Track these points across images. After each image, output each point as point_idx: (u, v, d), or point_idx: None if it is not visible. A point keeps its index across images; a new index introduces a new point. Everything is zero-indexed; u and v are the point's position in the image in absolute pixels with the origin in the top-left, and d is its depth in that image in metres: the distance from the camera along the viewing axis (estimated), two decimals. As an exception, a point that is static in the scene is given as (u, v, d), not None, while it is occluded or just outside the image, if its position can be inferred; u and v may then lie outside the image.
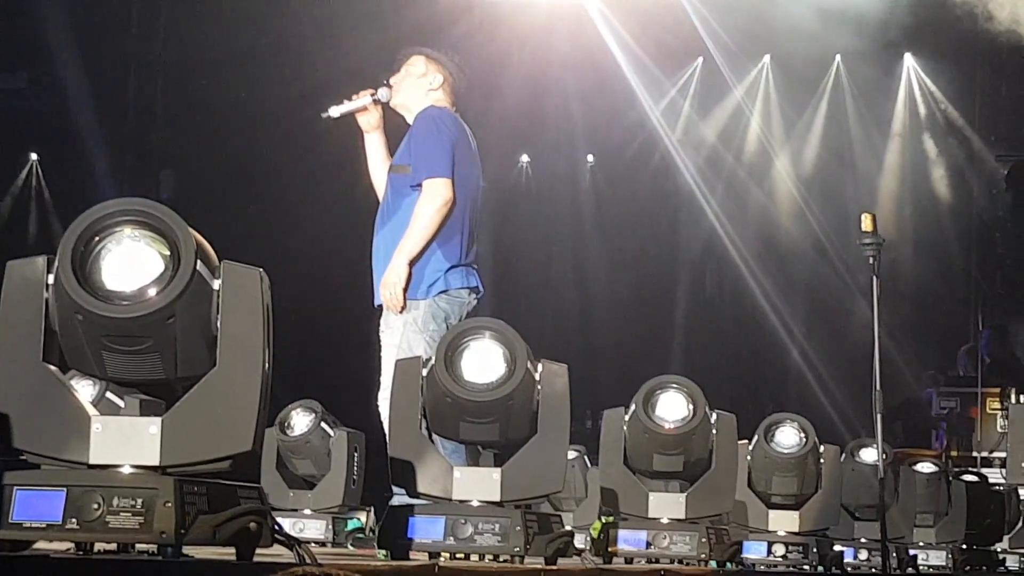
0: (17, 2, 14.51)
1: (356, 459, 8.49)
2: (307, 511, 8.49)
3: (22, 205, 16.21)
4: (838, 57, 16.46)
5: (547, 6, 14.98)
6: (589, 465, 9.70)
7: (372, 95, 6.76)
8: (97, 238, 3.74)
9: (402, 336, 6.31)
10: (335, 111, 6.71)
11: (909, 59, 16.50)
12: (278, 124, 15.15)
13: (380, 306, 6.51)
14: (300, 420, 8.62)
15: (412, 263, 6.37)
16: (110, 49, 14.94)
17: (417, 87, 6.79)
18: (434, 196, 6.41)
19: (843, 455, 8.91)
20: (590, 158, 17.71)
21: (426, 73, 6.81)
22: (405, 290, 6.34)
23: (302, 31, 14.53)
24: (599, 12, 15.41)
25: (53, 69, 14.80)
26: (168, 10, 15.05)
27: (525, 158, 17.47)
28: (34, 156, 16.30)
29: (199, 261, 3.72)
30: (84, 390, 5.99)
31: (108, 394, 6.48)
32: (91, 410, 3.81)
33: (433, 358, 5.20)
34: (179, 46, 15.12)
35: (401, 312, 6.35)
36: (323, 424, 8.57)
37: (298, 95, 14.95)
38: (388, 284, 6.35)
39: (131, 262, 3.73)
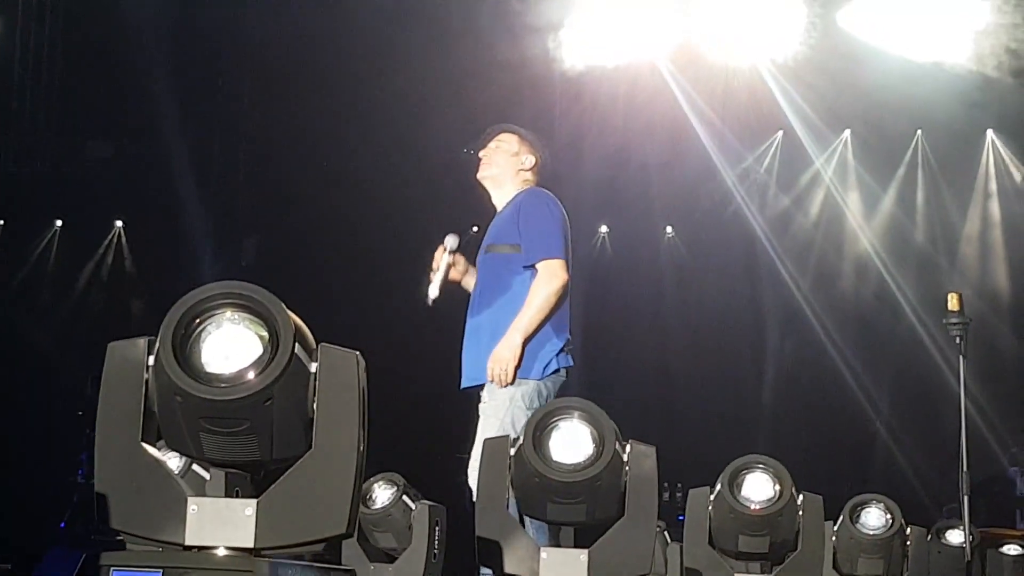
0: (108, 70, 14.71)
1: (437, 533, 8.47)
2: (388, 584, 8.47)
3: (105, 273, 16.39)
4: (919, 132, 16.40)
5: (627, 77, 14.99)
6: (669, 540, 9.64)
7: (444, 249, 6.79)
8: (198, 320, 3.78)
9: (507, 411, 6.33)
10: (433, 291, 6.72)
11: (991, 135, 16.40)
12: (360, 193, 15.28)
13: (474, 386, 6.56)
14: (382, 493, 8.61)
15: (526, 342, 6.41)
16: (195, 118, 15.10)
17: (509, 165, 6.85)
18: (551, 277, 6.48)
19: (929, 536, 8.82)
20: (669, 229, 17.68)
21: (519, 152, 6.88)
22: (517, 367, 6.37)
23: (385, 101, 14.64)
24: (678, 84, 15.40)
25: (139, 138, 14.99)
26: (252, 80, 15.21)
27: (604, 229, 17.46)
28: (119, 223, 16.51)
29: (297, 344, 3.75)
30: (171, 462, 6.04)
31: (195, 467, 6.53)
32: (187, 491, 3.84)
33: (522, 437, 5.20)
34: (263, 116, 15.27)
35: (505, 387, 6.37)
36: (405, 497, 8.55)
37: (383, 165, 15.11)
38: (501, 359, 6.36)
39: (230, 345, 3.77)
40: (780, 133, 16.61)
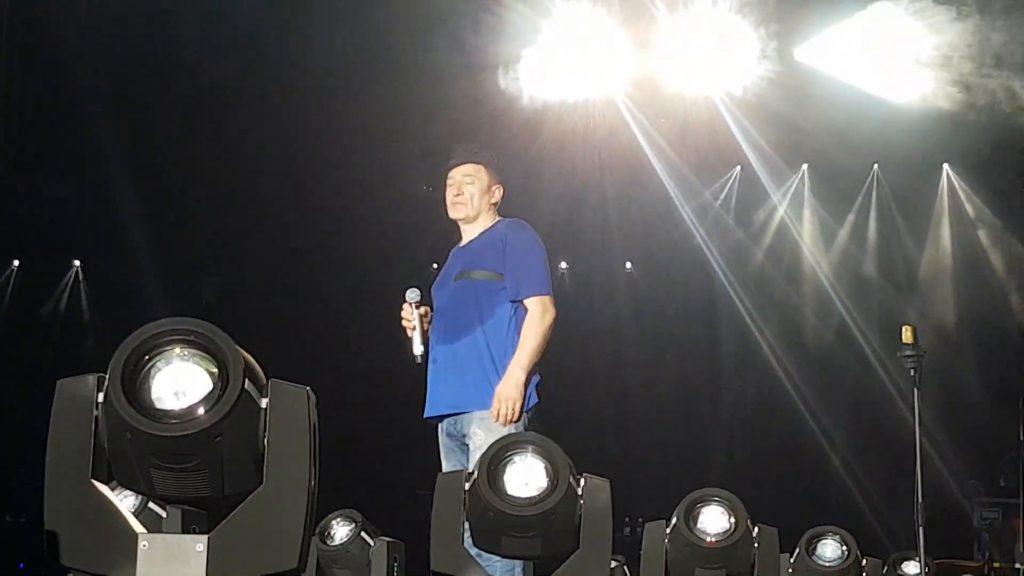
0: (61, 114, 14.69)
1: (396, 569, 8.47)
2: (347, 622, 8.46)
3: (64, 312, 16.35)
4: (876, 166, 16.51)
5: (584, 113, 15.05)
6: (628, 574, 9.65)
7: (411, 305, 6.70)
8: (147, 357, 3.77)
9: None
10: (418, 348, 6.64)
11: (948, 169, 16.52)
12: (321, 228, 15.29)
13: (450, 415, 6.59)
14: (340, 529, 8.61)
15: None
16: (154, 158, 15.08)
17: (482, 202, 6.85)
18: (545, 314, 6.60)
19: (885, 568, 8.85)
20: (628, 265, 17.73)
21: (489, 186, 6.90)
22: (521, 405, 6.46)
23: (343, 137, 14.66)
24: (635, 119, 15.45)
25: (97, 178, 14.96)
26: (209, 118, 15.18)
27: (564, 264, 17.50)
28: (77, 263, 16.47)
29: (247, 380, 3.75)
30: (126, 501, 6.02)
31: (151, 504, 6.52)
32: (138, 527, 3.84)
33: (476, 472, 5.21)
34: (223, 156, 15.25)
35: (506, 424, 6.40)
36: (363, 533, 8.55)
37: (340, 203, 15.12)
38: (509, 398, 6.42)
39: (180, 381, 3.76)
40: (738, 168, 16.69)
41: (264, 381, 3.86)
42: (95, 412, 3.81)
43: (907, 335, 8.12)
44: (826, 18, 14.11)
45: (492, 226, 6.86)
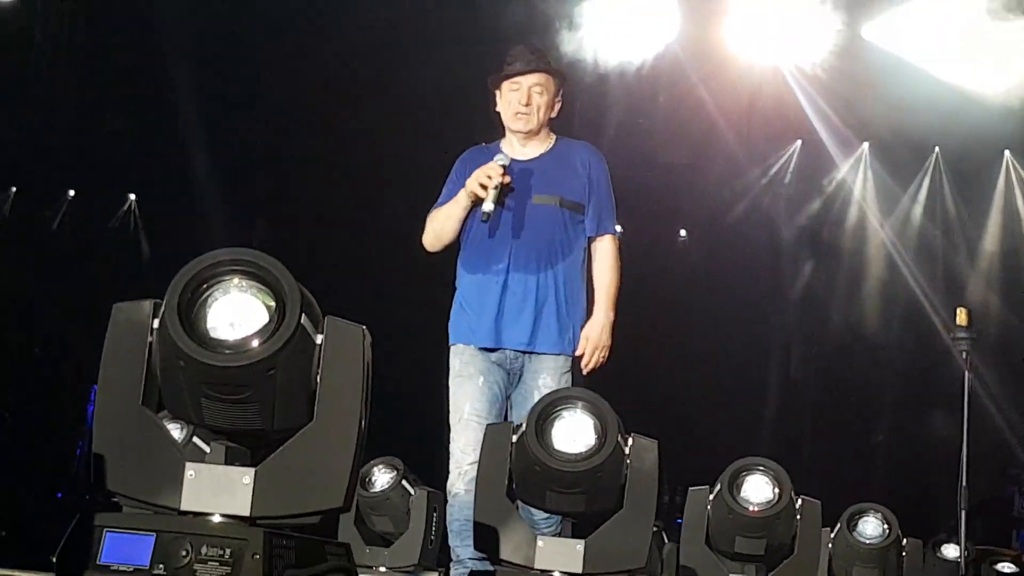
0: (123, 44, 14.71)
1: (435, 520, 8.47)
2: (382, 568, 8.48)
3: (119, 244, 16.42)
4: (937, 149, 16.38)
5: (651, 76, 14.95)
6: (666, 540, 9.63)
7: (500, 166, 6.12)
8: (205, 286, 3.76)
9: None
10: (488, 206, 6.04)
11: (1009, 156, 16.37)
12: (373, 180, 15.26)
13: (523, 351, 6.10)
14: (381, 477, 8.62)
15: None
16: (213, 94, 15.09)
17: (547, 114, 6.31)
18: (618, 253, 6.32)
19: (925, 549, 8.81)
20: (682, 232, 17.65)
21: (555, 101, 6.36)
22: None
23: (400, 92, 14.59)
24: (704, 85, 15.35)
25: (154, 111, 14.98)
26: (269, 58, 15.16)
27: (618, 229, 17.41)
28: (132, 196, 16.53)
29: (303, 315, 3.73)
30: (172, 433, 6.03)
31: (196, 439, 6.54)
32: (185, 456, 3.82)
33: (524, 425, 5.18)
34: (281, 94, 15.24)
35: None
36: (404, 482, 8.56)
37: (395, 156, 15.08)
38: (604, 346, 6.16)
39: (237, 312, 3.75)
40: (799, 142, 16.58)
41: (321, 317, 3.84)
42: (149, 338, 3.80)
43: (961, 317, 8.05)
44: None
45: (557, 144, 6.35)
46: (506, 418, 6.08)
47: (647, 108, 15.40)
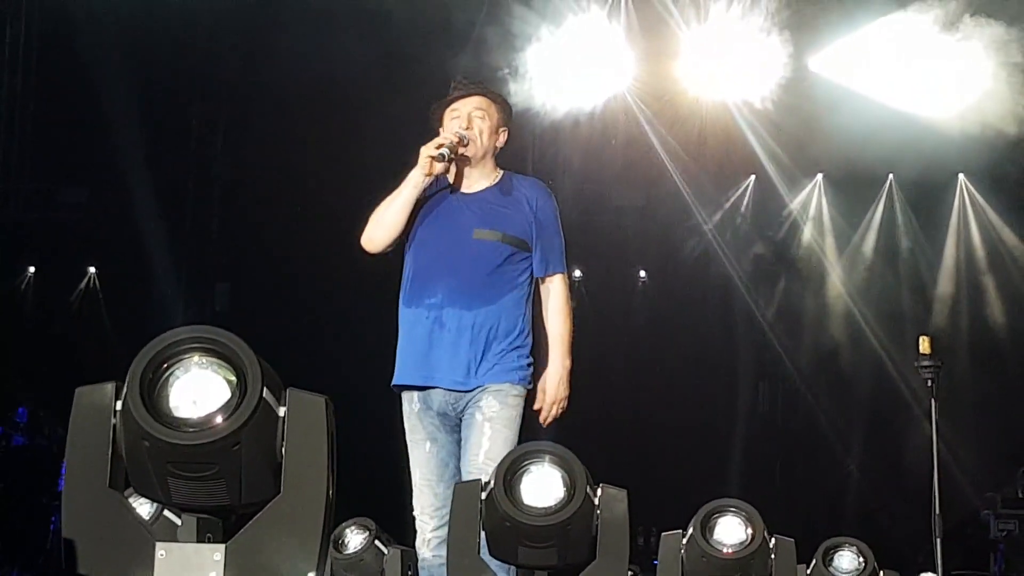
0: (81, 117, 14.72)
1: (410, 578, 8.46)
2: (360, 630, 8.45)
3: (80, 317, 16.36)
4: (891, 176, 16.49)
5: (602, 120, 15.04)
6: (644, 584, 9.64)
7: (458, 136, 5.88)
8: (165, 365, 3.76)
9: (516, 423, 5.79)
10: (435, 150, 5.76)
11: (963, 179, 16.48)
12: (334, 236, 15.26)
13: (459, 391, 5.78)
14: (354, 538, 8.63)
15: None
16: (169, 164, 15.12)
17: (491, 143, 6.03)
18: (568, 294, 6.02)
19: (902, 579, 8.80)
20: (642, 273, 17.70)
21: (499, 128, 6.08)
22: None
23: (353, 150, 14.62)
24: (652, 127, 15.45)
25: (114, 183, 14.98)
26: (225, 130, 15.22)
27: (578, 273, 17.47)
28: (92, 269, 16.50)
29: (265, 388, 3.74)
30: (141, 508, 6.01)
31: (166, 512, 6.51)
32: (155, 536, 3.82)
33: (492, 481, 5.19)
34: (234, 164, 15.28)
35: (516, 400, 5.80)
36: (377, 542, 8.56)
37: (352, 210, 15.08)
38: (561, 399, 5.88)
39: (198, 389, 3.75)
40: (753, 177, 16.67)
41: (282, 389, 3.85)
42: (113, 420, 3.80)
43: (924, 345, 8.11)
44: (839, 28, 14.13)
45: (503, 179, 6.02)
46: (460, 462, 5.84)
47: (600, 152, 15.47)
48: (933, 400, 8.14)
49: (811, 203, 16.83)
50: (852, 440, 16.58)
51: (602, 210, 16.43)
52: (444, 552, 5.43)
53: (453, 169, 5.98)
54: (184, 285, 15.69)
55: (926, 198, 16.50)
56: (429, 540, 5.79)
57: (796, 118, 14.82)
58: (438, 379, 5.78)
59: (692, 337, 16.82)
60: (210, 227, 16.14)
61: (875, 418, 16.42)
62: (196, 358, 3.78)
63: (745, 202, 16.87)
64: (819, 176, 16.69)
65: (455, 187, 6.01)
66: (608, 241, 16.77)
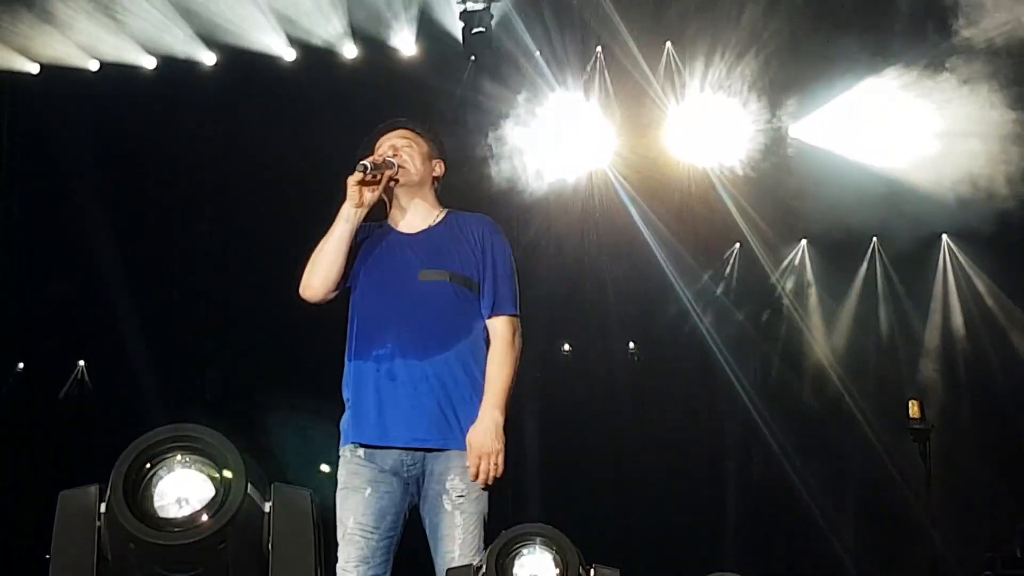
0: (61, 213, 14.77)
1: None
2: None
3: (69, 412, 16.30)
4: (875, 239, 16.51)
5: (583, 194, 15.12)
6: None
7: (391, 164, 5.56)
8: (149, 465, 3.77)
9: (483, 503, 5.36)
10: (364, 163, 5.45)
11: (947, 240, 16.50)
12: (323, 320, 15.26)
13: (419, 449, 5.32)
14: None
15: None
16: (153, 253, 15.14)
17: (426, 170, 5.72)
18: (516, 338, 5.49)
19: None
20: (631, 346, 17.68)
21: (431, 158, 5.77)
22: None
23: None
24: (632, 199, 15.50)
25: (98, 276, 14.99)
26: (212, 216, 15.25)
27: (567, 347, 17.45)
28: (81, 363, 16.46)
29: (249, 484, 3.74)
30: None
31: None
32: (144, 640, 3.81)
33: (484, 566, 5.16)
34: (221, 251, 15.31)
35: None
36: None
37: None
38: (492, 452, 5.26)
39: (183, 488, 3.76)
40: (737, 245, 16.69)
41: (267, 484, 3.85)
42: (98, 523, 3.79)
43: (914, 409, 8.16)
44: (819, 95, 14.22)
45: (447, 216, 5.67)
46: (403, 534, 5.38)
47: (583, 225, 15.52)
48: (925, 463, 8.15)
49: (794, 268, 16.82)
50: (840, 511, 16.42)
51: (591, 281, 16.42)
52: None
53: (394, 210, 5.69)
54: (173, 373, 15.66)
55: (910, 260, 16.49)
56: None
57: (778, 184, 14.86)
58: (394, 437, 5.31)
59: (677, 410, 16.74)
60: (197, 313, 16.13)
61: (863, 488, 16.30)
62: (179, 456, 3.79)
63: (728, 270, 16.88)
64: (803, 242, 16.71)
65: (396, 228, 5.68)
66: (598, 313, 16.76)
